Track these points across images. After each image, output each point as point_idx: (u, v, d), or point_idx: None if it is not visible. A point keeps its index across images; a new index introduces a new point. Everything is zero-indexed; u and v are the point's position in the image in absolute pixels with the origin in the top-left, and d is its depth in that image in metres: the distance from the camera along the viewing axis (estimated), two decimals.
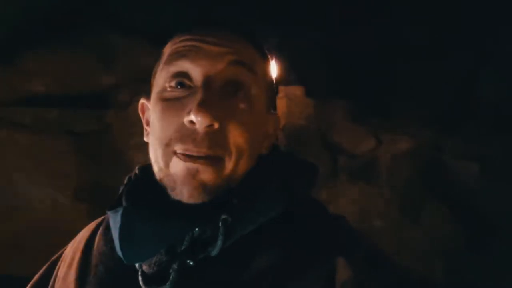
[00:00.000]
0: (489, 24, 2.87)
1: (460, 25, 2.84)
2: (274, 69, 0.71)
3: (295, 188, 0.62)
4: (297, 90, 3.13)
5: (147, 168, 0.64)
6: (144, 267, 0.58)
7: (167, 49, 0.62)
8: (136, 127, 2.80)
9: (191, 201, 0.57)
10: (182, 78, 0.59)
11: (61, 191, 2.69)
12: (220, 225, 0.55)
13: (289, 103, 3.03)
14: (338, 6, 2.92)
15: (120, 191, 0.64)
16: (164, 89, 0.60)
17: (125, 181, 0.65)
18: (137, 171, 0.66)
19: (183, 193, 0.57)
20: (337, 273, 0.55)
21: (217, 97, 0.57)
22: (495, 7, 2.80)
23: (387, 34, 2.98)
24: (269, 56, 0.66)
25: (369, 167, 3.01)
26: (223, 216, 0.56)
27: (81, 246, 0.67)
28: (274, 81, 0.69)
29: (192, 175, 0.56)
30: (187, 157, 0.56)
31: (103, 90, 3.02)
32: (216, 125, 0.56)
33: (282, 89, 3.01)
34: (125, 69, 3.03)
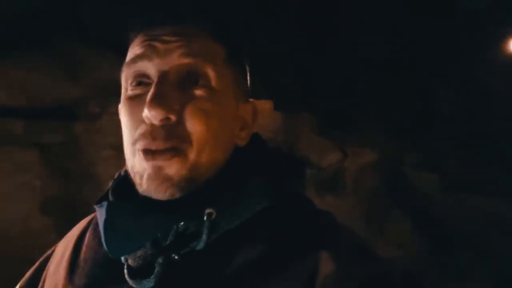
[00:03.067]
0: (445, 42, 3.04)
1: (418, 44, 2.99)
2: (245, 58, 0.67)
3: (281, 182, 0.62)
4: (266, 104, 3.20)
5: None
6: (130, 261, 0.58)
7: (129, 52, 0.63)
8: (105, 139, 2.79)
9: (159, 197, 0.57)
10: (141, 78, 0.59)
11: (28, 204, 2.63)
12: (205, 219, 0.56)
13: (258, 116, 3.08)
14: (304, 22, 3.02)
15: (108, 186, 0.64)
16: (126, 89, 0.61)
17: (115, 176, 0.66)
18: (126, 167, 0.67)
19: (150, 190, 0.57)
20: (321, 267, 0.55)
21: (173, 89, 0.57)
22: (452, 26, 2.97)
23: (352, 51, 3.10)
24: (236, 45, 0.65)
25: (335, 179, 3.09)
26: (208, 210, 0.56)
27: (72, 241, 0.68)
28: (248, 70, 0.67)
29: (155, 172, 0.56)
30: (147, 153, 0.56)
31: (71, 101, 2.99)
32: (173, 118, 0.56)
33: (251, 102, 3.06)
34: (94, 81, 3.01)
